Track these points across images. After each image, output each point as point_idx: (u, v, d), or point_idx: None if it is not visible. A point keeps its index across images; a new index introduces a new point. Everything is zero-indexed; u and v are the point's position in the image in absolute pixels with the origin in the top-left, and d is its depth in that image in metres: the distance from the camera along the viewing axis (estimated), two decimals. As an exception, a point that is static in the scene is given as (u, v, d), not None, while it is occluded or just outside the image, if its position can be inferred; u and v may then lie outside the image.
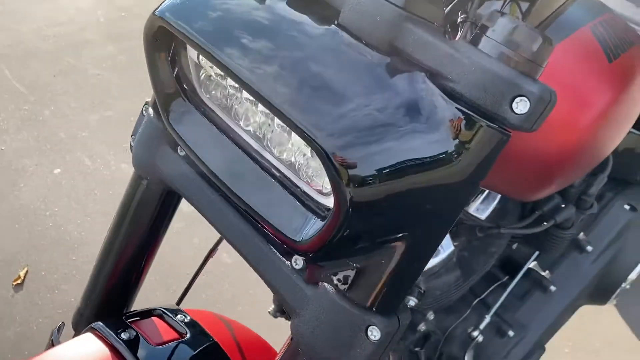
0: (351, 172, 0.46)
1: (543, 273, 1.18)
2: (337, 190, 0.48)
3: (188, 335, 0.79)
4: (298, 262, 0.60)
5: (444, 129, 0.47)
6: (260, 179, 0.61)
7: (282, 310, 1.13)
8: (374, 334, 0.55)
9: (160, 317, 0.83)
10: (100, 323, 0.79)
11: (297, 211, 0.57)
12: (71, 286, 1.81)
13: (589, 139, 0.72)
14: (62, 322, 0.93)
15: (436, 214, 0.51)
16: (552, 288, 1.16)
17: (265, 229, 0.60)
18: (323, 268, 0.58)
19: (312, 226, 0.55)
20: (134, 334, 0.77)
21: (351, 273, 0.56)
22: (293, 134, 0.56)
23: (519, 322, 1.13)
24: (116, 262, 0.83)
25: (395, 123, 0.47)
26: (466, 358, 1.08)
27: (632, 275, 1.25)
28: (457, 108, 0.48)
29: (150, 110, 0.74)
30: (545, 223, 0.95)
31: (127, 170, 2.26)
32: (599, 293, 1.27)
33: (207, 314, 0.88)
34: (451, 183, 0.49)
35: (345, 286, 0.56)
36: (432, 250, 0.55)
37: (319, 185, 0.57)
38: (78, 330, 0.88)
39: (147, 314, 0.83)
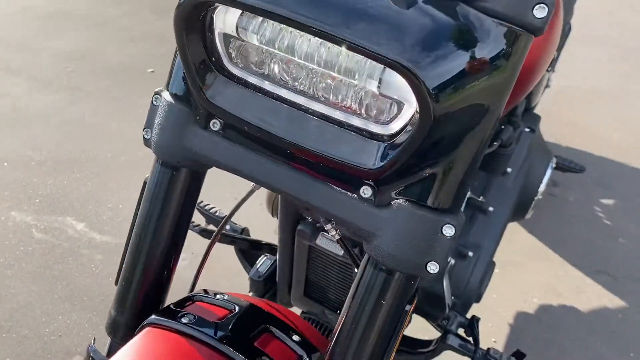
0: (435, 86, 0.57)
1: (478, 198, 1.38)
2: (422, 104, 0.58)
3: (237, 309, 0.83)
4: (366, 191, 0.68)
5: (490, 40, 0.59)
6: (316, 126, 0.68)
7: None
8: (449, 231, 0.66)
9: (201, 301, 0.85)
10: (155, 316, 0.79)
11: (362, 144, 0.66)
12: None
13: (536, 59, 0.89)
14: (94, 338, 0.90)
15: (489, 114, 0.63)
16: (490, 209, 1.36)
17: (333, 168, 0.67)
18: (393, 187, 0.66)
19: (384, 151, 0.64)
20: (193, 317, 0.79)
21: (423, 183, 0.66)
22: (343, 75, 0.64)
23: (474, 243, 1.32)
24: (148, 258, 0.83)
25: (456, 42, 0.58)
26: (444, 282, 1.23)
27: (542, 188, 1.51)
28: (493, 21, 0.60)
29: (166, 97, 0.76)
30: (495, 143, 1.13)
31: None
32: (520, 208, 1.51)
33: (233, 294, 0.92)
34: (500, 85, 0.62)
35: (418, 196, 0.66)
36: (485, 148, 0.67)
37: (378, 116, 0.66)
38: (117, 336, 0.87)
39: (187, 300, 0.84)
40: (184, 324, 0.77)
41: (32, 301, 1.86)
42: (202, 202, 1.55)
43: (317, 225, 1.14)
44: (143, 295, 0.85)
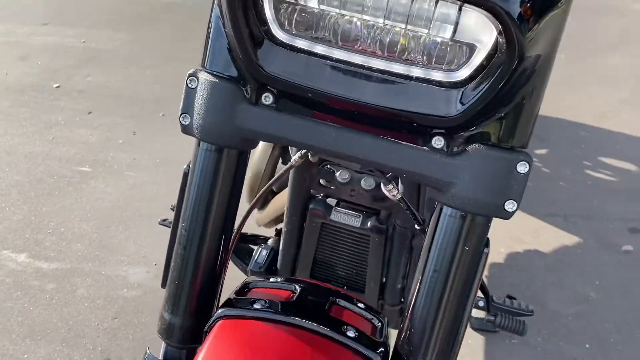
0: (522, 19, 0.57)
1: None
2: (509, 40, 0.58)
3: (297, 288, 0.79)
4: (438, 141, 0.67)
5: None
6: (380, 82, 0.66)
7: None
8: (523, 168, 0.67)
9: (257, 287, 0.81)
10: (223, 310, 0.74)
11: (434, 93, 0.65)
12: None
13: None
14: (148, 347, 0.82)
15: (557, 44, 0.65)
16: None
17: (401, 122, 0.66)
18: (466, 133, 0.67)
19: (461, 98, 0.64)
20: (264, 301, 0.74)
21: (495, 125, 0.66)
22: (412, 25, 0.63)
23: None
24: (200, 252, 0.77)
25: None
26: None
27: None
28: None
29: (205, 78, 0.71)
30: None
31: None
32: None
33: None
34: (564, 14, 0.64)
35: (492, 138, 0.67)
36: (547, 81, 0.69)
37: (447, 63, 0.66)
38: (174, 339, 0.80)
39: (245, 288, 0.79)
40: (259, 309, 0.73)
41: (-14, 346, 1.67)
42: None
43: (329, 201, 1.13)
44: (197, 292, 0.79)
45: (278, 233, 1.45)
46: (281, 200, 1.37)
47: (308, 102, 0.70)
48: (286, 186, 1.27)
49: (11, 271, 1.92)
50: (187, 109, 0.74)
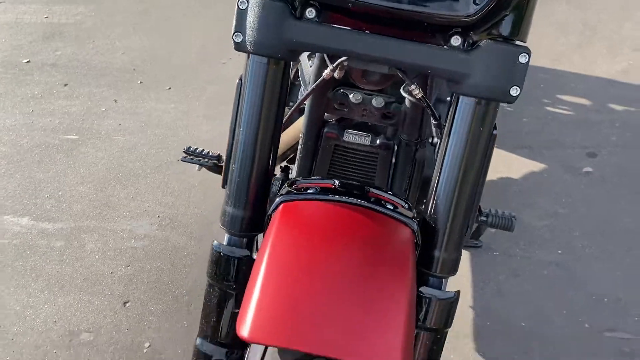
0: None
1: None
2: None
3: (336, 182, 0.92)
4: (455, 40, 0.82)
5: None
6: None
7: None
8: (523, 59, 0.83)
9: (301, 183, 0.93)
10: (283, 196, 0.86)
11: None
12: None
13: None
14: (214, 239, 0.94)
15: None
16: None
17: (425, 24, 0.80)
18: (478, 31, 0.81)
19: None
20: (315, 188, 0.87)
21: (502, 21, 0.80)
22: None
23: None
24: (255, 151, 0.89)
25: None
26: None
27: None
28: None
29: None
30: None
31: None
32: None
33: None
34: None
35: (499, 33, 0.81)
36: None
37: None
38: (238, 229, 0.91)
39: (293, 183, 0.92)
40: (313, 193, 0.87)
41: (6, 301, 1.74)
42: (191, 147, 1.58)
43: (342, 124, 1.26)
44: (255, 187, 0.92)
45: (283, 169, 1.57)
46: (285, 140, 1.49)
47: (345, 12, 0.83)
48: (290, 124, 1.40)
49: (16, 234, 1.98)
50: (239, 27, 0.85)
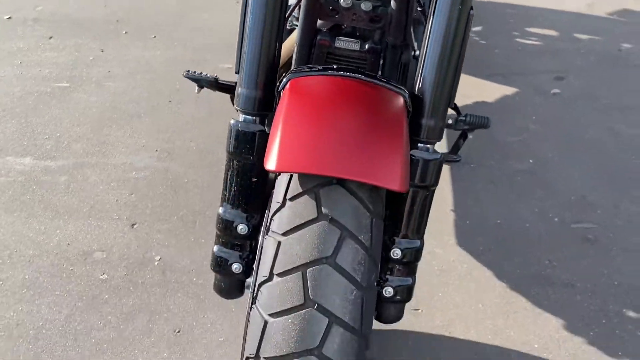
0: None
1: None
2: None
3: (335, 66, 1.06)
4: None
5: None
6: None
7: None
8: None
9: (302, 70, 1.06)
10: (292, 74, 0.98)
11: None
12: None
13: None
14: (232, 118, 1.06)
15: None
16: None
17: None
18: None
19: None
20: (318, 66, 1.00)
21: None
22: None
23: None
24: (264, 37, 0.99)
25: None
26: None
27: None
28: None
29: None
30: None
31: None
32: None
33: None
34: None
35: None
36: None
37: None
38: (252, 108, 1.03)
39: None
40: (319, 69, 0.99)
41: (19, 229, 1.84)
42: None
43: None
44: (265, 71, 1.03)
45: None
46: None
47: None
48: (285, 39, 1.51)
49: (20, 172, 2.07)
50: None
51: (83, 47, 2.82)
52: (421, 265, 1.07)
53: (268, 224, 0.86)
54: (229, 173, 1.07)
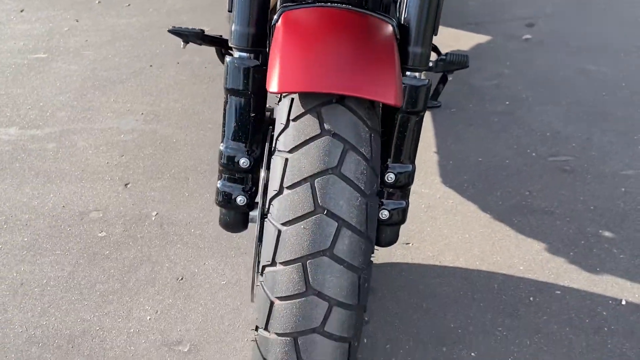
0: None
1: None
2: None
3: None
4: None
5: None
6: None
7: None
8: None
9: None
10: (284, 7, 1.02)
11: None
12: None
13: None
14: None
15: None
16: None
17: None
18: None
19: None
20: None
21: None
22: None
23: None
24: None
25: None
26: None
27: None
28: None
29: None
30: None
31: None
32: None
33: None
34: None
35: None
36: None
37: None
38: (242, 44, 1.08)
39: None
40: (310, 3, 1.04)
41: (12, 195, 1.86)
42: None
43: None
44: (257, 6, 1.06)
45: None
46: None
47: None
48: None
49: (7, 141, 2.08)
50: None
51: (56, 19, 2.80)
52: (409, 205, 1.14)
53: (273, 147, 0.92)
54: (228, 110, 1.12)
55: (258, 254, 1.21)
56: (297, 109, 0.89)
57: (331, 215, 0.84)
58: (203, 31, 1.65)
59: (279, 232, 0.85)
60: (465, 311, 1.48)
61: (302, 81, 0.86)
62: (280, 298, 0.86)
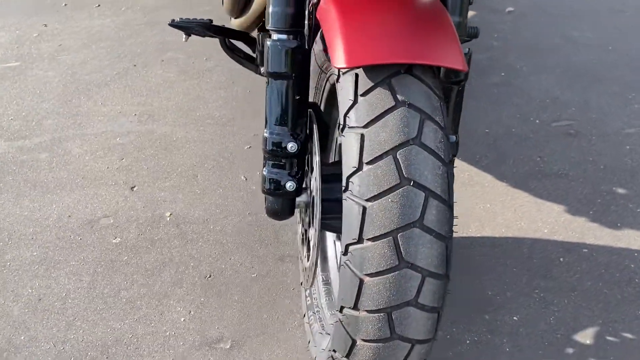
0: None
1: None
2: None
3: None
4: None
5: None
6: None
7: None
8: None
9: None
10: None
11: None
12: None
13: None
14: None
15: None
16: None
17: None
18: None
19: None
20: None
21: None
22: None
23: None
24: None
25: None
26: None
27: None
28: None
29: None
30: None
31: None
32: None
33: None
34: None
35: None
36: None
37: None
38: (281, 27, 1.05)
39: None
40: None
41: (11, 210, 1.76)
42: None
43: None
44: None
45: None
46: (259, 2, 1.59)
47: None
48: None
49: (-6, 155, 1.97)
50: None
51: (23, 25, 2.66)
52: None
53: (342, 123, 0.89)
54: (271, 94, 1.09)
55: (306, 238, 1.18)
56: (365, 83, 0.87)
57: (417, 185, 0.83)
58: (211, 21, 1.60)
59: (364, 208, 0.83)
60: (501, 278, 1.50)
61: (371, 54, 0.84)
62: (371, 275, 0.84)
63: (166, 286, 1.52)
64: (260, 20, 1.62)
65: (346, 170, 0.86)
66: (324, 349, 1.14)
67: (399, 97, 0.85)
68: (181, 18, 1.62)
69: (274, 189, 1.11)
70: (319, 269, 1.26)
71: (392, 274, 0.83)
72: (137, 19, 2.64)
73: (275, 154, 1.10)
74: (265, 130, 1.11)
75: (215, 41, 2.53)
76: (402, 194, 0.82)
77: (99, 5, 2.77)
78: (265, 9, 1.56)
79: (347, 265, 0.87)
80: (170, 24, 1.64)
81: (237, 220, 1.69)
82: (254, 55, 1.72)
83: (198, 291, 1.50)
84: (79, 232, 1.68)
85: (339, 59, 0.85)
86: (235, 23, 1.69)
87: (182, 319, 1.44)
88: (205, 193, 1.79)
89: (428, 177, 0.83)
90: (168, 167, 1.89)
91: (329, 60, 0.94)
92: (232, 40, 1.68)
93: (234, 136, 1.99)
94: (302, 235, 1.28)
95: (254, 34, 1.60)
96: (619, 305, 1.43)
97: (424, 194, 0.83)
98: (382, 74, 0.86)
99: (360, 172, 0.84)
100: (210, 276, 1.54)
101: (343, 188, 0.87)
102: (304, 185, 1.14)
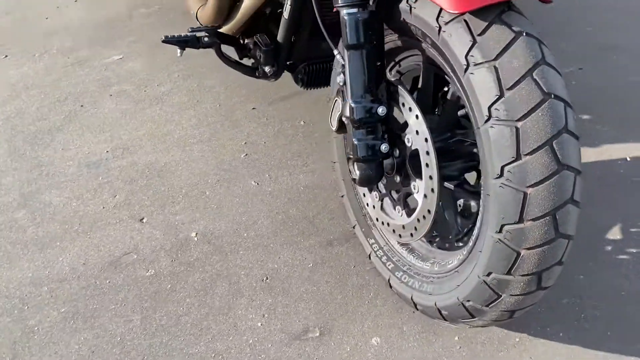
0: None
1: None
2: None
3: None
4: None
5: None
6: None
7: None
8: None
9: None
10: None
11: None
12: None
13: None
14: None
15: None
16: None
17: None
18: None
19: None
20: None
21: None
22: None
23: None
24: None
25: None
26: None
27: None
28: None
29: None
30: None
31: None
32: None
33: None
34: None
35: None
36: None
37: None
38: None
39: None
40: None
41: (13, 277, 1.57)
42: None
43: None
44: None
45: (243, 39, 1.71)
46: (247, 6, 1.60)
47: None
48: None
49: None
50: None
51: None
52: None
53: (465, 63, 0.97)
54: (352, 66, 1.15)
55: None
56: (478, 24, 0.97)
57: (570, 169, 0.97)
58: (220, 26, 1.61)
59: (525, 194, 0.96)
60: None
61: None
62: (529, 248, 0.99)
63: (226, 299, 1.48)
64: (248, 25, 1.66)
65: (499, 160, 0.97)
66: (436, 294, 1.22)
67: (515, 29, 0.97)
68: (172, 35, 1.61)
69: (371, 153, 1.17)
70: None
71: (548, 245, 0.98)
72: (59, 62, 2.47)
73: (365, 120, 1.16)
74: (349, 100, 1.16)
75: (163, 65, 2.49)
76: (560, 178, 0.96)
77: (6, 56, 2.55)
78: (254, 12, 1.61)
79: (502, 242, 1.00)
80: (163, 41, 1.61)
81: (269, 222, 1.69)
82: (242, 61, 1.75)
83: (262, 295, 1.48)
84: (104, 275, 1.56)
85: (453, 2, 0.95)
86: (223, 30, 1.70)
87: (259, 324, 1.41)
88: (222, 206, 1.76)
89: (576, 159, 0.99)
90: (171, 192, 1.82)
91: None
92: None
93: (224, 149, 1.96)
94: (382, 201, 1.34)
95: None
96: None
97: (573, 175, 0.98)
98: (492, 14, 0.97)
99: (519, 162, 0.96)
100: (267, 279, 1.53)
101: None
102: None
